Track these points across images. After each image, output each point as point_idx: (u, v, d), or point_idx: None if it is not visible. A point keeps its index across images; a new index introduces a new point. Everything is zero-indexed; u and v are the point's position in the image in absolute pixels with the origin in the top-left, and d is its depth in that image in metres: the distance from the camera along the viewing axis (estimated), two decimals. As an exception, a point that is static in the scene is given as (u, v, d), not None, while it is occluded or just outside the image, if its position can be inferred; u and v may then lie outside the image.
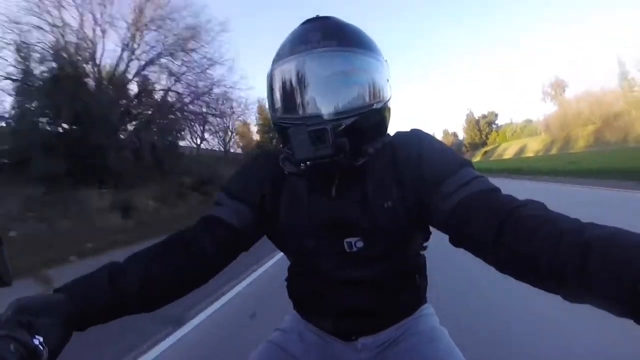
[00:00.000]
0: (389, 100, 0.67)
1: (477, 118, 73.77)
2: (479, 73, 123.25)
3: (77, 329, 0.50)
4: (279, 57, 0.66)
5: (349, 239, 0.67)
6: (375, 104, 0.64)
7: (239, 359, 0.86)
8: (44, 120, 10.03)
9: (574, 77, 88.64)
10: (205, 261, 0.64)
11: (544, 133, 52.30)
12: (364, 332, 0.73)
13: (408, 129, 0.72)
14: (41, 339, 0.43)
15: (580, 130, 42.14)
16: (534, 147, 51.99)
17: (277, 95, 0.67)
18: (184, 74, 13.71)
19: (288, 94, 0.65)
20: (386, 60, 0.69)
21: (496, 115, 73.97)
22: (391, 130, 0.73)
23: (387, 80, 0.68)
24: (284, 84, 0.65)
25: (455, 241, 0.58)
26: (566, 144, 43.13)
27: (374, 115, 0.64)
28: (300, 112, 0.63)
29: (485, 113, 74.60)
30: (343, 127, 0.60)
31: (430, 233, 0.74)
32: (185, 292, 0.63)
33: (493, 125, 73.66)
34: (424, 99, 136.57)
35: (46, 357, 0.42)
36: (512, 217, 0.50)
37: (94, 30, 11.24)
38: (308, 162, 0.60)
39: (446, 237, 0.60)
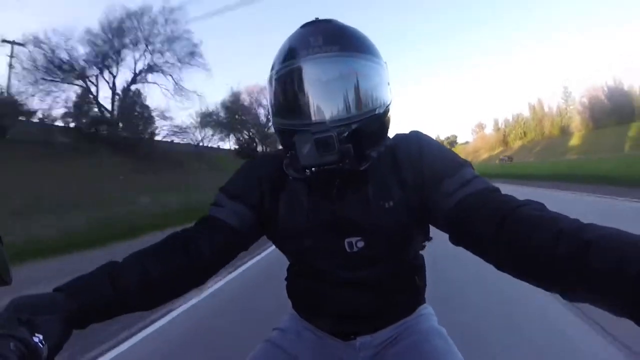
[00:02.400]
0: (390, 104, 0.68)
1: (442, 139, 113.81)
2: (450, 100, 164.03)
3: (77, 327, 0.50)
4: (280, 62, 0.65)
5: (349, 239, 0.67)
6: (377, 109, 0.64)
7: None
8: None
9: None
10: (204, 261, 0.63)
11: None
12: (363, 332, 0.73)
13: (407, 131, 0.73)
14: (41, 337, 0.42)
15: (468, 157, 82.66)
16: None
17: (280, 100, 0.66)
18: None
19: (291, 99, 0.64)
20: (385, 63, 0.69)
21: (456, 136, 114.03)
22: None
23: (388, 84, 0.68)
24: (286, 89, 0.64)
25: (455, 240, 0.59)
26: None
27: (376, 120, 0.64)
28: (304, 118, 0.63)
29: (449, 135, 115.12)
30: (347, 133, 0.61)
31: (429, 233, 0.74)
32: (184, 292, 0.63)
33: (454, 144, 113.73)
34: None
35: (46, 354, 0.42)
36: (512, 216, 0.50)
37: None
38: (313, 169, 0.60)
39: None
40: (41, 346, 0.42)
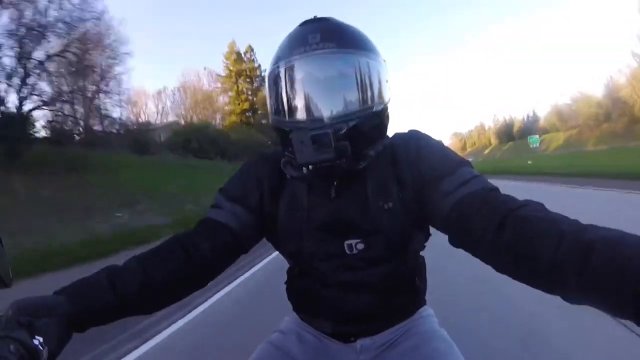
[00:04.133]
0: (388, 101, 0.67)
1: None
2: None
3: (77, 330, 0.50)
4: (277, 59, 0.64)
5: (349, 241, 0.66)
6: (375, 106, 0.63)
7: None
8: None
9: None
10: (204, 264, 0.63)
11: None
12: (363, 334, 0.72)
13: (406, 130, 0.72)
14: (41, 339, 0.42)
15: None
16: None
17: (277, 98, 0.65)
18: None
19: (288, 97, 0.63)
20: (384, 60, 0.68)
21: (441, 141, 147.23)
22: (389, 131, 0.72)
23: (387, 81, 0.67)
24: (283, 86, 0.64)
25: (454, 241, 0.58)
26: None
27: (374, 118, 0.64)
28: (301, 115, 0.62)
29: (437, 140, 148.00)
30: (344, 130, 0.60)
31: (429, 233, 0.73)
32: (185, 295, 0.63)
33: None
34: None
35: (46, 357, 0.42)
36: (512, 217, 0.49)
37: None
38: (310, 166, 0.60)
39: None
40: (41, 349, 0.42)
